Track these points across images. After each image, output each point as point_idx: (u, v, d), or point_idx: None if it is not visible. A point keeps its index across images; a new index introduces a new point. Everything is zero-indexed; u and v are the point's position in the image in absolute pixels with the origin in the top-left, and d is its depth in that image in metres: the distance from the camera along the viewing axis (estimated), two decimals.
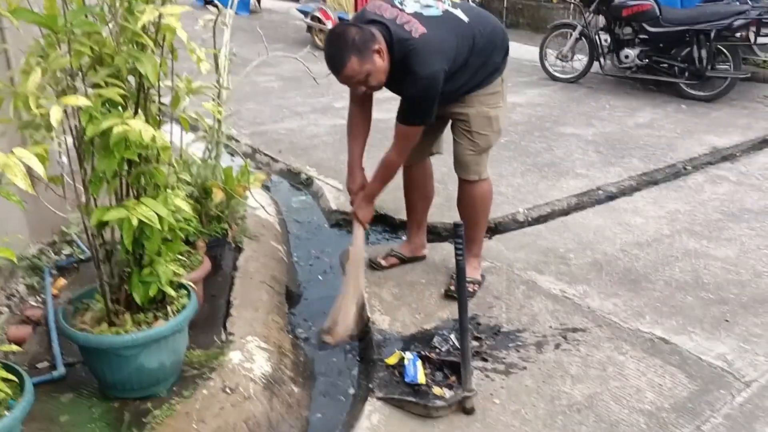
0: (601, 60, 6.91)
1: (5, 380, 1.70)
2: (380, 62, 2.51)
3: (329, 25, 8.46)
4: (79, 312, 2.18)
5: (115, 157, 1.81)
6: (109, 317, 2.08)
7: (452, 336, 2.64)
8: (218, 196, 2.80)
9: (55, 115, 1.51)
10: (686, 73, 6.40)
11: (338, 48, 2.48)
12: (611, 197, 4.21)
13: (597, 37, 6.91)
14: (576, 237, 3.64)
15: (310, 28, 9.22)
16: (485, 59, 2.73)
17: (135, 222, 1.84)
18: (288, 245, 3.69)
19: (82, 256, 3.02)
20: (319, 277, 3.41)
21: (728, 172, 4.67)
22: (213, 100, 2.72)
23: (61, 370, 2.26)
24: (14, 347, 1.97)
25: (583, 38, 6.97)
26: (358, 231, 2.88)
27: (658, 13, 6.30)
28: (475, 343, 2.64)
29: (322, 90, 6.42)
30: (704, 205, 4.07)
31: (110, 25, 1.83)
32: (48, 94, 1.72)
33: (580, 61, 7.12)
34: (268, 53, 3.23)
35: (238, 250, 3.24)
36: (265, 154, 4.93)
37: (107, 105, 1.86)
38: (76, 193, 1.95)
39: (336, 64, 2.51)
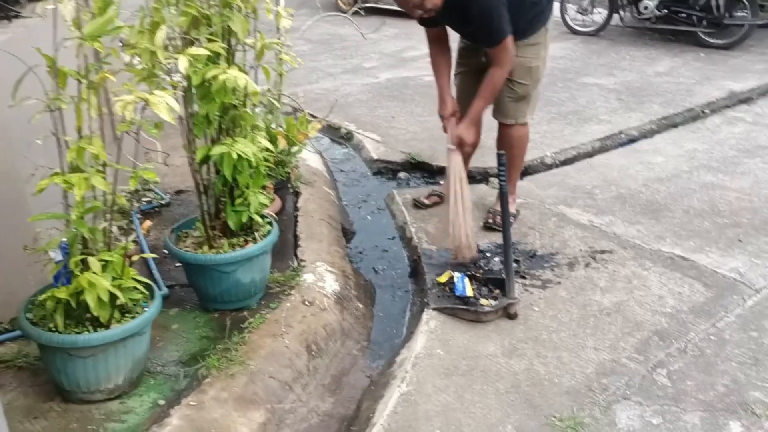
0: (621, 12, 7.11)
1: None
2: None
3: None
4: (180, 239, 2.57)
5: (216, 102, 2.17)
6: (209, 242, 2.46)
7: (495, 258, 3.01)
8: (282, 143, 3.15)
9: (183, 63, 1.86)
10: (704, 22, 6.59)
11: None
12: (633, 140, 4.53)
13: None
14: (601, 175, 3.95)
15: None
16: None
17: (235, 156, 2.20)
18: (337, 191, 4.06)
19: (162, 202, 3.42)
20: (368, 218, 3.78)
21: (745, 114, 4.94)
22: (277, 55, 3.05)
23: (164, 290, 2.66)
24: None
25: None
26: (455, 156, 2.96)
27: None
28: (513, 265, 2.99)
29: (351, 53, 6.74)
30: (721, 144, 4.37)
31: None
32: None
33: (600, 14, 7.32)
34: (321, 13, 3.53)
35: (296, 194, 3.61)
36: (310, 114, 5.25)
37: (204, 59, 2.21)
38: (182, 136, 2.31)
39: None
